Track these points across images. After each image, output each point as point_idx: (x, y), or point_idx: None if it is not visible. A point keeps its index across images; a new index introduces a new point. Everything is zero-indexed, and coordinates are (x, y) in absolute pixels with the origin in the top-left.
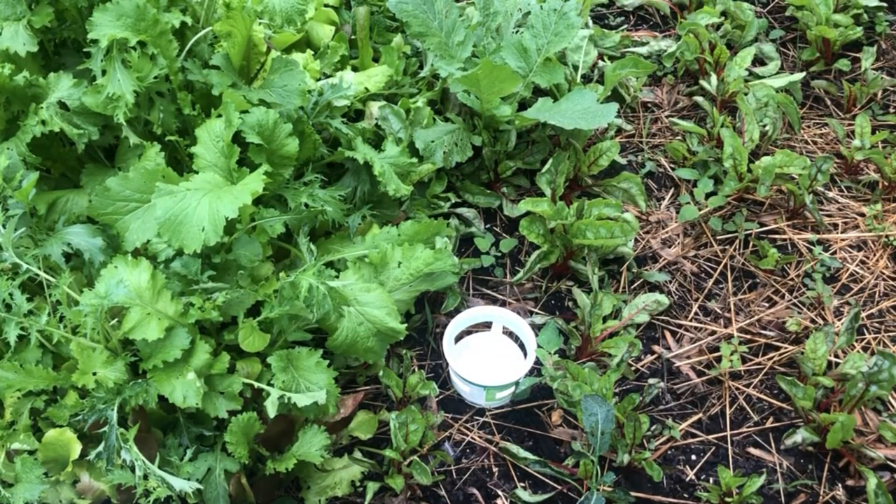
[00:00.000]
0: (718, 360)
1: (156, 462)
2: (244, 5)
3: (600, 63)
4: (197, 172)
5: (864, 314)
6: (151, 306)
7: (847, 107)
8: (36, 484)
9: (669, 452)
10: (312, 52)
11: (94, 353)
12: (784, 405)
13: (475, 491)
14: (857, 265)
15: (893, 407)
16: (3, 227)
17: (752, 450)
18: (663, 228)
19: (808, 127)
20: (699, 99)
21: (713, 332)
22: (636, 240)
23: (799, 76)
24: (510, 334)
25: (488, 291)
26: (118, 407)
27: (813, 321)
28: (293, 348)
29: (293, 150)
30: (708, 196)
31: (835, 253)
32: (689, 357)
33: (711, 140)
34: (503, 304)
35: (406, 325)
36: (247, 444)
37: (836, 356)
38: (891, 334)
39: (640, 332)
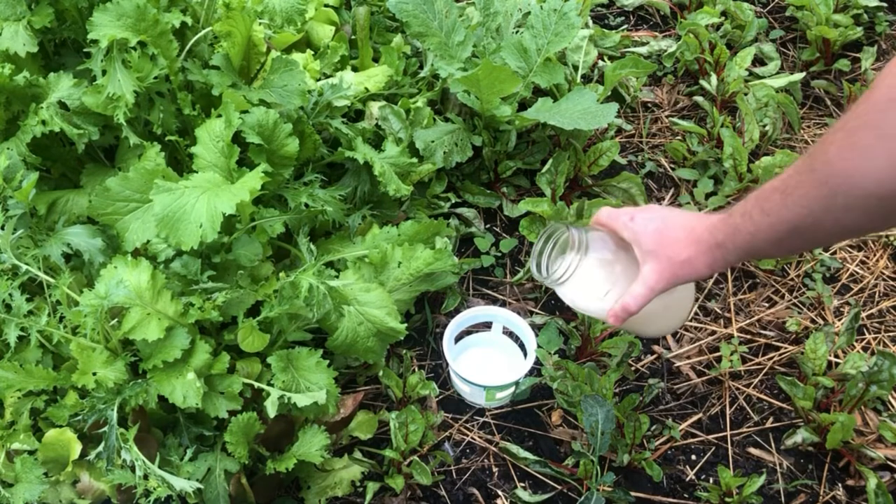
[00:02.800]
0: (718, 360)
1: (156, 462)
2: (244, 5)
3: (600, 63)
4: (197, 172)
5: (864, 314)
6: (151, 306)
7: (847, 107)
8: (36, 484)
9: (669, 452)
10: (312, 52)
11: (94, 353)
12: (784, 405)
13: (475, 491)
14: (857, 265)
15: (893, 407)
16: (3, 227)
17: (752, 450)
18: None
19: (809, 127)
20: (699, 99)
21: (713, 332)
22: None
23: (799, 76)
24: (510, 334)
25: (488, 291)
26: (118, 407)
27: (813, 321)
28: (293, 348)
29: (293, 150)
30: (708, 196)
31: (835, 253)
32: (689, 357)
33: (711, 140)
34: (503, 304)
35: (406, 325)
36: (247, 444)
37: (836, 356)
38: (891, 334)
39: None
